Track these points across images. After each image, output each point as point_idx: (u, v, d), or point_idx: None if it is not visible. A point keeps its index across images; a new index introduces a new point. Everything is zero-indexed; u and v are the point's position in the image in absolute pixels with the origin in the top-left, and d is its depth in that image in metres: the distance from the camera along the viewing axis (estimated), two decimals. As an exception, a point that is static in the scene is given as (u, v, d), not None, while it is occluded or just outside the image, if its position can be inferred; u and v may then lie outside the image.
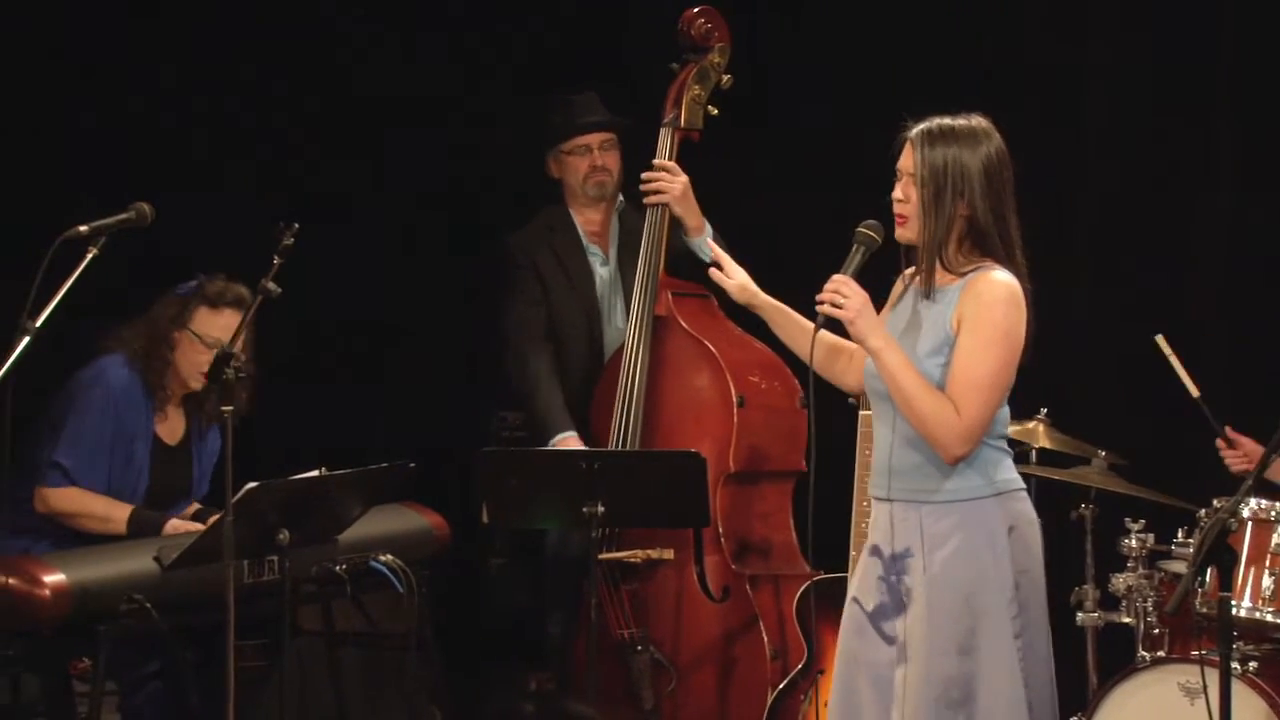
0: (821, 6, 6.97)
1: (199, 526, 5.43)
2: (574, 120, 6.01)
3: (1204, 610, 5.23)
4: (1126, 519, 5.62)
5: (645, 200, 5.85)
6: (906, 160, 4.29)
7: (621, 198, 6.07)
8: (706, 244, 5.73)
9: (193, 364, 5.53)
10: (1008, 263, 4.27)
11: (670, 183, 5.81)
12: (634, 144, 6.04)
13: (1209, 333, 6.52)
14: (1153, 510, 5.65)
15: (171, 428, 5.68)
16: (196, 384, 5.55)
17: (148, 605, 4.99)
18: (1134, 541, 5.60)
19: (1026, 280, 4.30)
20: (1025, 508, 4.35)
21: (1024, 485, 4.39)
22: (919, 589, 4.27)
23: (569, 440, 5.80)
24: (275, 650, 5.28)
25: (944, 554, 4.27)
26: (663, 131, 5.93)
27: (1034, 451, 5.74)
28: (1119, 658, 5.57)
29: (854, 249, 4.32)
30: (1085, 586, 5.72)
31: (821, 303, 4.25)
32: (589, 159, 5.98)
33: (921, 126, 4.29)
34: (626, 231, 6.03)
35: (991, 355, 4.23)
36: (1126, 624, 5.62)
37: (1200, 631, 5.32)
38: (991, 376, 4.23)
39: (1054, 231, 6.51)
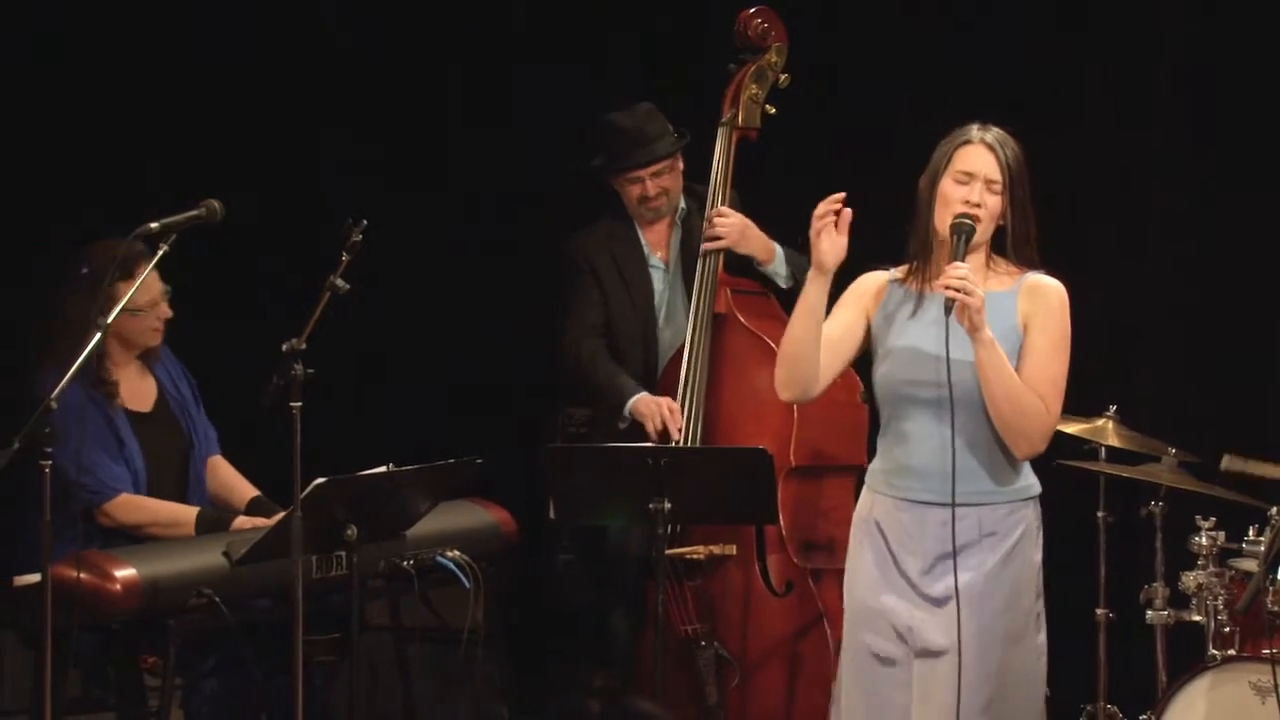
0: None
1: (260, 520, 5.45)
2: (625, 152, 5.99)
3: (1276, 609, 5.23)
4: (1197, 516, 5.61)
5: (703, 248, 5.88)
6: (987, 165, 4.38)
7: (684, 204, 6.08)
8: (783, 267, 5.91)
9: (139, 333, 5.44)
10: (1039, 265, 4.44)
11: (726, 227, 5.85)
12: (693, 146, 6.06)
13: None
14: (1223, 508, 5.61)
15: (138, 395, 5.59)
16: (153, 340, 5.48)
17: (216, 600, 5.01)
18: (1204, 539, 5.58)
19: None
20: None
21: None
22: (975, 585, 4.34)
23: (645, 399, 5.84)
24: (344, 645, 5.30)
25: (1004, 551, 4.39)
26: (720, 131, 5.96)
27: (1103, 449, 5.73)
28: (1189, 656, 5.57)
29: (955, 239, 4.36)
30: (1155, 584, 5.73)
31: (950, 287, 4.26)
32: (641, 188, 5.99)
33: (992, 132, 4.41)
34: (687, 234, 6.05)
35: (1063, 356, 4.40)
36: (1197, 622, 5.61)
37: (1272, 630, 5.28)
38: (1064, 376, 4.40)
39: (1129, 229, 6.55)
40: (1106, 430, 5.72)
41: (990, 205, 4.38)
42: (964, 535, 4.37)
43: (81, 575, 4.90)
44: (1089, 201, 6.51)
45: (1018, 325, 4.39)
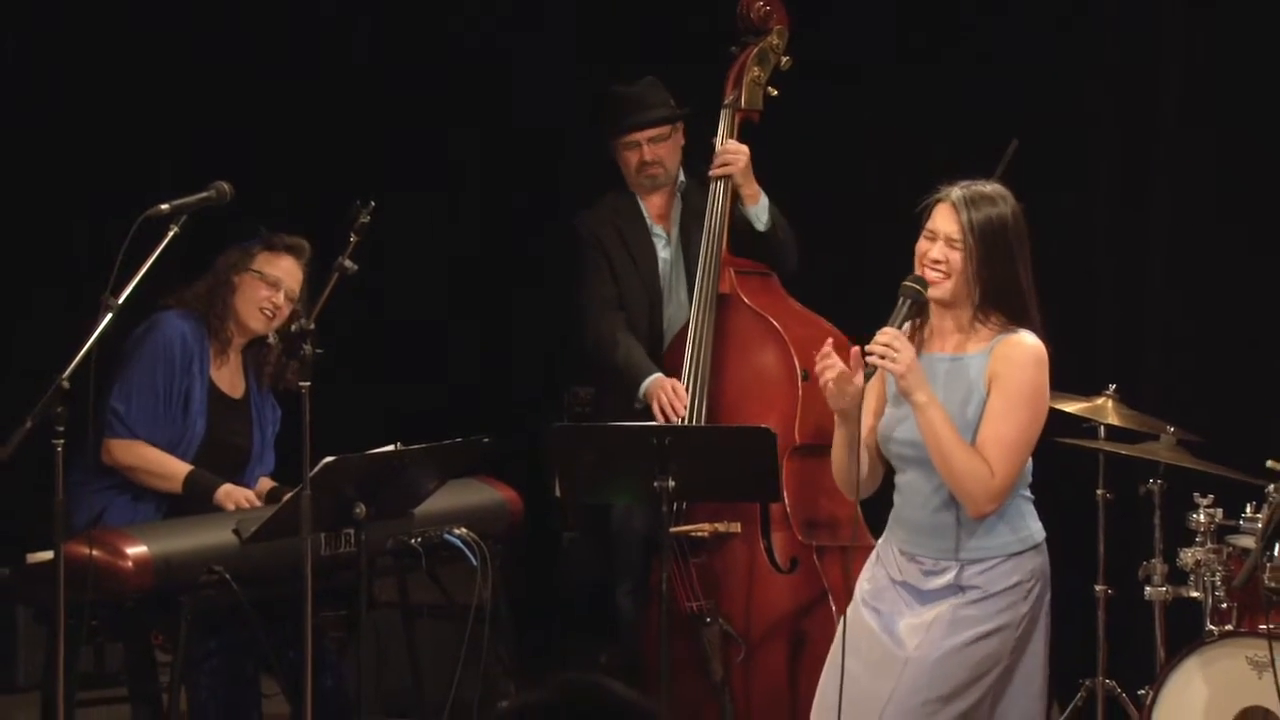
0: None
1: (250, 493, 5.48)
2: (623, 117, 6.05)
3: (1272, 585, 5.24)
4: (1195, 494, 5.62)
5: (711, 173, 5.92)
6: (947, 223, 4.35)
7: (683, 176, 6.13)
8: (764, 213, 5.92)
9: (252, 301, 5.55)
10: (1026, 320, 4.36)
11: (735, 157, 5.90)
12: (697, 125, 6.10)
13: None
14: (1221, 485, 5.62)
15: (232, 380, 5.68)
16: (257, 323, 5.57)
17: (227, 577, 5.03)
18: (1202, 516, 5.58)
19: (1044, 334, 4.38)
20: (1045, 559, 4.44)
21: (1044, 534, 4.47)
22: (944, 630, 4.33)
23: (660, 380, 5.88)
24: (352, 622, 5.36)
25: (975, 602, 4.35)
26: (724, 113, 6.00)
27: (1102, 428, 5.71)
28: (1187, 632, 5.58)
29: (900, 302, 4.36)
30: (1153, 561, 5.74)
31: (871, 354, 4.28)
32: (638, 153, 6.04)
33: (958, 190, 4.37)
34: (689, 209, 6.09)
35: (1023, 415, 4.32)
36: (1194, 598, 5.62)
37: (1268, 606, 5.30)
38: (1022, 436, 4.32)
39: (1129, 211, 6.55)
40: (1106, 409, 5.71)
41: (953, 262, 4.34)
42: (942, 587, 4.38)
43: (94, 552, 4.91)
44: (1091, 187, 6.55)
45: (981, 386, 4.35)
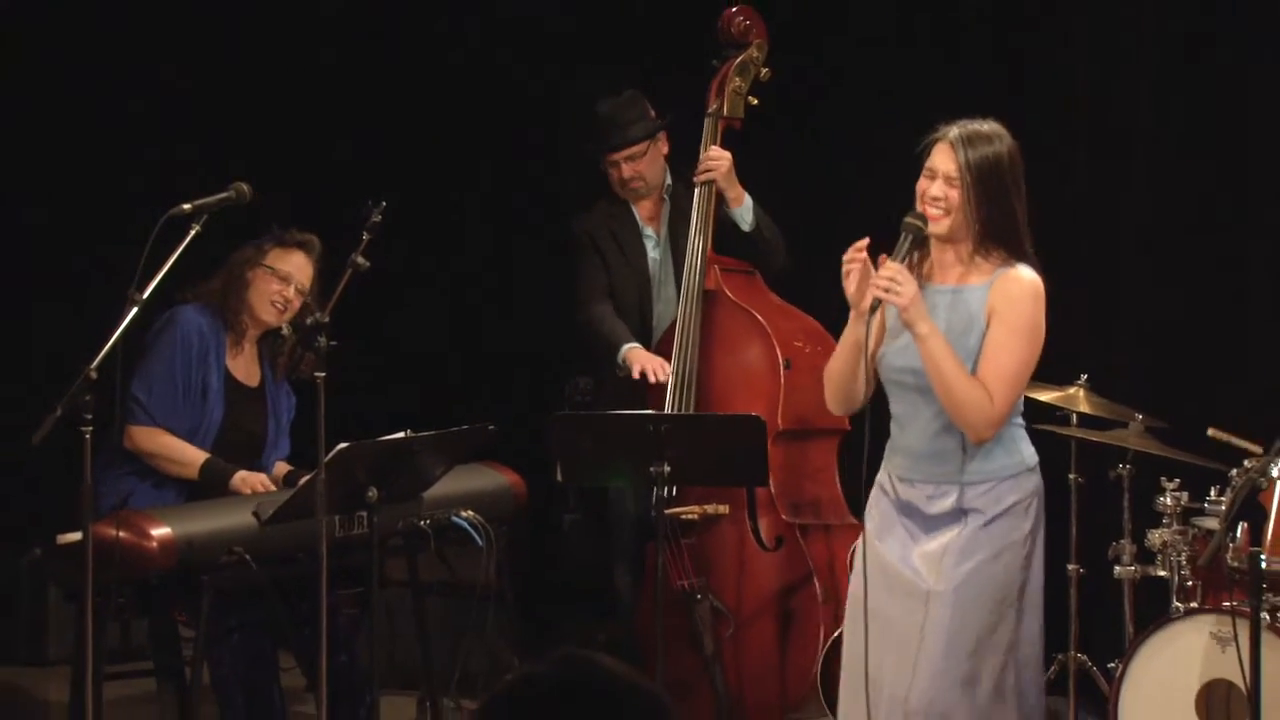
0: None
1: (264, 477, 5.53)
2: (600, 139, 6.16)
3: (1235, 564, 5.23)
4: (1162, 478, 5.61)
5: (695, 179, 6.01)
6: (945, 161, 4.39)
7: (669, 180, 6.21)
8: (749, 214, 6.02)
9: (264, 295, 5.59)
10: (1024, 255, 4.41)
11: (717, 163, 5.99)
12: (682, 131, 6.17)
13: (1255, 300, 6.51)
14: (1187, 470, 5.61)
15: (248, 370, 5.71)
16: (269, 316, 5.61)
17: (247, 557, 5.08)
18: (1169, 499, 5.58)
19: (1040, 269, 4.42)
20: (1040, 480, 4.53)
21: (1037, 459, 4.54)
22: (956, 558, 4.41)
23: (636, 349, 5.98)
24: (365, 599, 5.38)
25: (982, 526, 4.43)
26: (707, 121, 6.11)
27: (1074, 415, 5.70)
28: (1154, 609, 5.58)
29: (903, 237, 4.39)
30: (1123, 541, 5.74)
31: (876, 288, 4.31)
32: (618, 170, 6.16)
33: (956, 130, 4.40)
34: (676, 210, 6.19)
35: (1021, 347, 4.40)
36: (1162, 577, 5.61)
37: (1231, 584, 5.28)
38: (1020, 367, 4.40)
39: (1099, 204, 6.55)
40: (1078, 397, 5.72)
41: (952, 199, 4.38)
42: (945, 512, 4.45)
43: (121, 534, 4.97)
44: (1064, 173, 6.52)
45: (981, 319, 4.39)
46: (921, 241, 4.44)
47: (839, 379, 4.51)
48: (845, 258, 4.40)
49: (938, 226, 4.43)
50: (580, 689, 2.40)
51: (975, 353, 4.41)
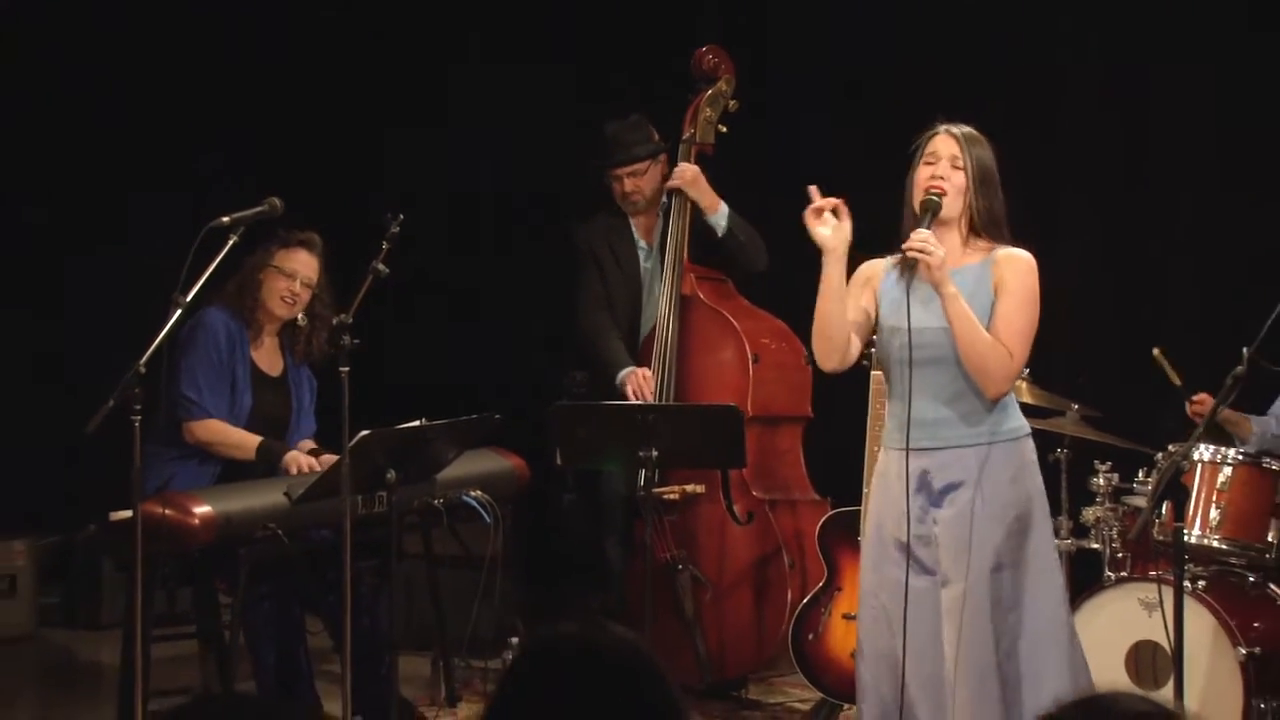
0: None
1: (311, 459, 5.66)
2: (606, 156, 6.46)
3: (1161, 538, 5.45)
4: (1095, 461, 5.81)
5: (666, 185, 6.29)
6: (949, 146, 4.55)
7: (665, 198, 6.47)
8: (723, 220, 6.30)
9: (275, 292, 5.74)
10: (1012, 243, 4.60)
11: (681, 173, 6.28)
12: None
13: (1178, 289, 6.71)
14: (1117, 454, 5.81)
15: (270, 360, 5.84)
16: (282, 310, 5.74)
17: (279, 532, 5.29)
18: (1101, 480, 5.80)
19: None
20: (1033, 446, 4.68)
21: (1029, 429, 4.68)
22: (968, 517, 4.48)
23: (634, 372, 6.21)
24: (384, 571, 5.52)
25: (998, 483, 4.53)
26: (682, 147, 6.44)
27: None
28: (1088, 578, 5.75)
29: (927, 212, 4.53)
30: (1060, 518, 5.86)
31: (910, 249, 4.48)
32: (620, 185, 6.44)
33: (955, 127, 4.58)
34: (667, 224, 6.43)
35: (1030, 311, 4.58)
36: (1095, 549, 5.80)
37: (1157, 556, 5.50)
38: (1030, 329, 4.58)
39: (1038, 202, 6.54)
40: (1021, 389, 5.74)
41: (956, 180, 4.53)
42: (956, 475, 4.52)
43: (166, 511, 5.20)
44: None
45: (990, 289, 4.52)
46: (937, 218, 4.56)
47: (828, 317, 4.55)
48: (815, 205, 4.50)
49: (947, 206, 4.56)
50: (598, 654, 2.47)
51: (982, 320, 4.53)
